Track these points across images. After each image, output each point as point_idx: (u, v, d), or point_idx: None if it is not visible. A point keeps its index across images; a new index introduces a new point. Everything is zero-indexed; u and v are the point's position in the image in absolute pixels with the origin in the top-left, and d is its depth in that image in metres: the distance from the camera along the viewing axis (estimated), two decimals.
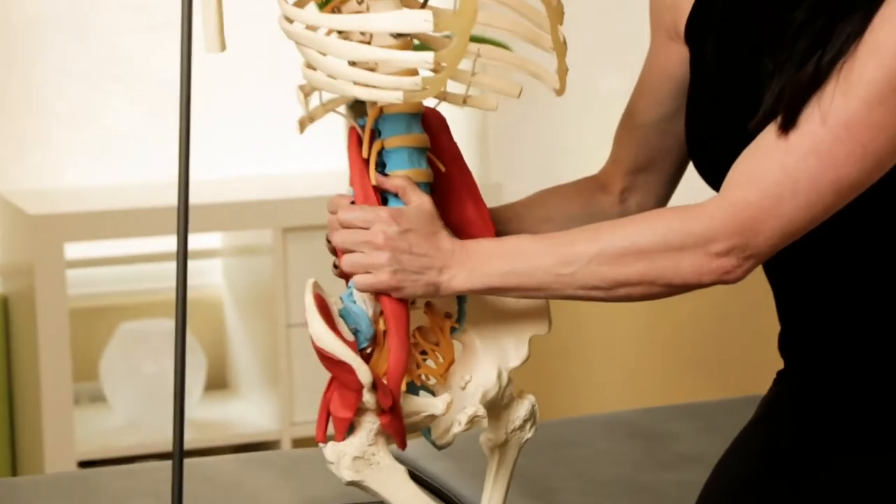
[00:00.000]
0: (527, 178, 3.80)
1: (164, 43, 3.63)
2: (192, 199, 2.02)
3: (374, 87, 1.53)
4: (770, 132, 1.54)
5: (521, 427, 1.69)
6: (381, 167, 1.63)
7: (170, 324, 3.57)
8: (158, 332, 3.58)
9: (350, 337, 1.58)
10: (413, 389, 1.65)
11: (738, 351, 3.88)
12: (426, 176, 1.63)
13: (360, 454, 1.58)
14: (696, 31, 1.72)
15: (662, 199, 1.83)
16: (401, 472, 1.60)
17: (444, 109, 1.67)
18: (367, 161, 1.62)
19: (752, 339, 3.64)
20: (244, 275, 3.71)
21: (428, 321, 1.66)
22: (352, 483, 1.60)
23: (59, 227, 3.36)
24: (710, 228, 1.53)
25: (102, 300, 3.75)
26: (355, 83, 1.54)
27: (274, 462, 2.24)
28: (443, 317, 1.66)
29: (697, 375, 3.92)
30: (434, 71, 1.53)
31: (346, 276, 1.63)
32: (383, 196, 1.62)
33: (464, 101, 1.65)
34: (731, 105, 1.64)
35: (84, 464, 3.42)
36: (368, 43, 1.56)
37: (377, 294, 1.58)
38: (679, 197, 1.86)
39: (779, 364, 1.78)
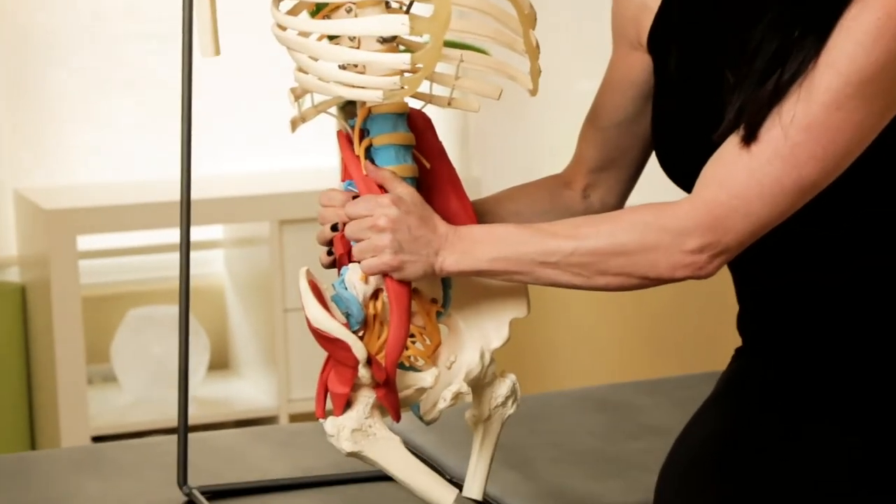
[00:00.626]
0: (504, 173, 3.80)
1: (167, 49, 3.63)
2: (195, 194, 2.02)
3: (359, 87, 1.54)
4: (735, 140, 1.54)
5: (504, 403, 1.69)
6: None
7: (175, 309, 3.56)
8: (164, 317, 3.57)
9: (343, 321, 1.57)
10: (402, 369, 1.64)
11: (696, 330, 3.88)
12: (412, 171, 1.63)
13: (357, 427, 1.58)
14: (659, 42, 1.71)
15: (623, 195, 1.82)
16: (396, 441, 1.60)
17: (430, 110, 1.67)
18: (359, 158, 1.62)
19: (710, 318, 3.65)
20: (244, 264, 3.70)
21: (416, 306, 1.66)
22: (351, 454, 1.59)
23: (72, 220, 3.35)
24: (684, 227, 1.53)
25: (113, 288, 3.74)
26: (342, 84, 1.54)
27: (272, 436, 2.24)
28: (429, 302, 1.66)
29: (658, 353, 3.92)
30: (412, 71, 1.53)
31: (332, 266, 1.64)
32: None
33: (448, 103, 1.65)
34: (696, 114, 1.63)
35: (97, 438, 3.41)
36: (357, 48, 1.56)
37: (384, 276, 1.58)
38: (642, 191, 1.86)
39: (735, 342, 1.78)
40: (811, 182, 1.52)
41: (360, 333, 1.60)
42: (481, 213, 1.72)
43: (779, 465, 1.60)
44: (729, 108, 1.55)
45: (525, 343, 3.70)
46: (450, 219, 1.63)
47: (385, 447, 1.59)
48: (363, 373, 1.55)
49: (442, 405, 1.64)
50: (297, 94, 1.65)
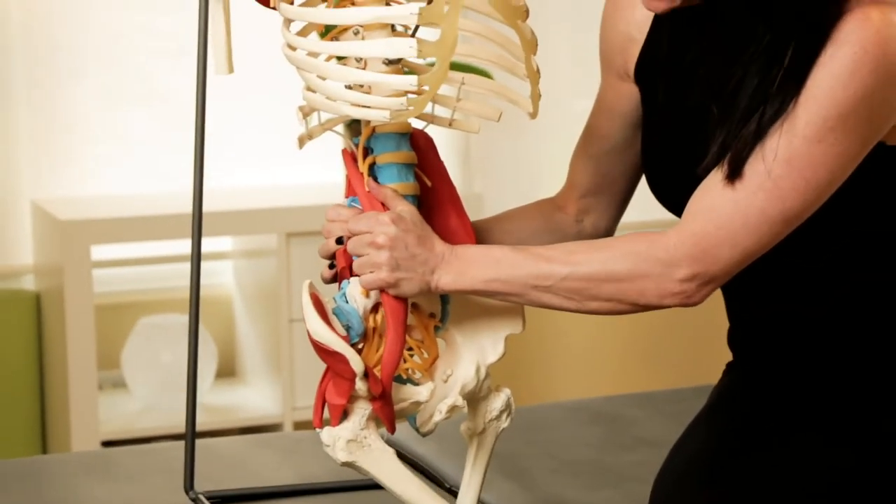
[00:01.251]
0: (505, 190, 3.80)
1: (181, 66, 3.63)
2: (206, 207, 2.02)
3: (366, 106, 1.54)
4: (720, 173, 1.54)
5: (498, 417, 1.69)
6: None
7: (184, 318, 3.56)
8: (174, 326, 3.57)
9: (343, 333, 1.57)
10: (400, 382, 1.64)
11: (688, 345, 3.88)
12: (414, 189, 1.63)
13: (353, 437, 1.58)
14: (646, 74, 1.71)
15: (615, 219, 1.83)
16: (390, 453, 1.60)
17: (432, 130, 1.67)
18: (363, 175, 1.62)
19: (703, 334, 3.64)
20: (251, 275, 3.70)
21: (414, 320, 1.66)
22: (346, 464, 1.59)
23: (86, 231, 3.35)
24: (673, 258, 1.53)
25: (124, 297, 3.74)
26: (349, 103, 1.55)
27: (277, 443, 2.23)
28: (427, 316, 1.66)
29: (651, 367, 3.92)
30: (417, 93, 1.53)
31: (333, 280, 1.64)
32: None
33: (450, 123, 1.65)
34: (684, 146, 1.63)
35: (107, 443, 3.41)
36: (363, 69, 1.56)
37: (381, 291, 1.58)
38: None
39: (726, 357, 1.78)
40: (795, 213, 1.53)
41: (360, 346, 1.60)
42: (480, 231, 1.72)
43: (767, 475, 1.61)
44: (713, 142, 1.55)
45: (520, 358, 3.70)
46: (449, 236, 1.63)
47: (379, 458, 1.59)
48: (360, 385, 1.55)
49: (438, 418, 1.64)
50: (305, 112, 1.65)
